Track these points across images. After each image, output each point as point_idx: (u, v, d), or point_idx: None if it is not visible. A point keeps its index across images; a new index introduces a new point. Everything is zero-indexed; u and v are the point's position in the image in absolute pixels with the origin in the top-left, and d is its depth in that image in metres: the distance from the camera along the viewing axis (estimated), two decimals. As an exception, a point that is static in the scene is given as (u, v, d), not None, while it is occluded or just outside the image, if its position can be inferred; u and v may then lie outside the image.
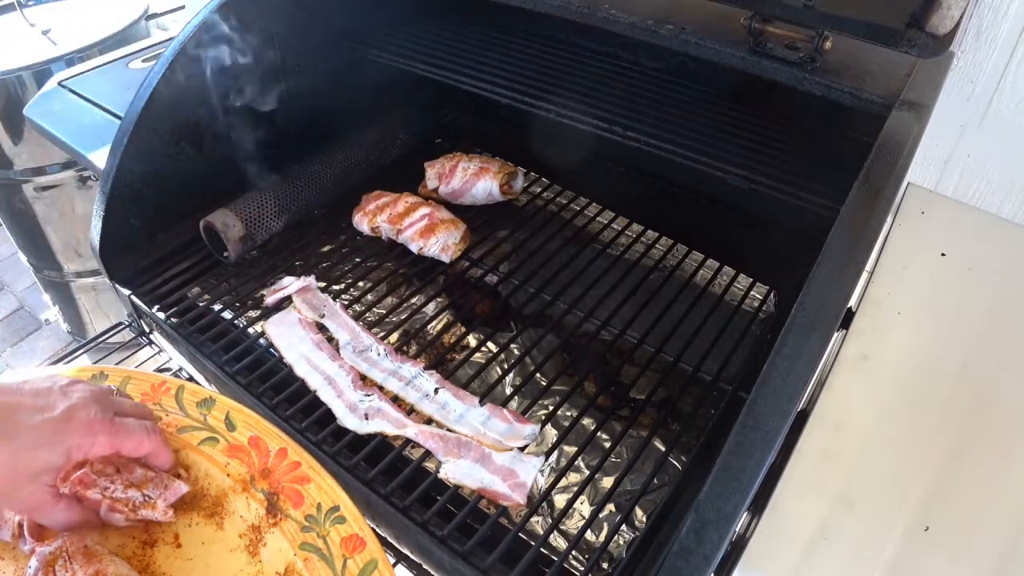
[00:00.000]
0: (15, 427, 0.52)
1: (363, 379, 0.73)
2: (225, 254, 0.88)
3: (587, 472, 0.69)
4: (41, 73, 1.59)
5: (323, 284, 0.86)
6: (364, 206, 0.95)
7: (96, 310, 2.10)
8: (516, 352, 0.84)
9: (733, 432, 0.46)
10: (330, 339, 0.78)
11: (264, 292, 0.84)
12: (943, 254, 0.66)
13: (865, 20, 0.62)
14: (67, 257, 1.94)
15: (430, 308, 0.87)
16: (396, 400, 0.70)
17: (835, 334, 0.51)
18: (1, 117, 1.65)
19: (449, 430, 0.67)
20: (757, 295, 0.89)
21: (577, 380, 0.77)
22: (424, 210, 0.91)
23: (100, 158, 0.93)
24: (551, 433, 0.73)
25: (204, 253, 0.89)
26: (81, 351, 0.85)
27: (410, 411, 0.69)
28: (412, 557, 0.63)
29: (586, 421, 0.74)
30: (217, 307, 0.82)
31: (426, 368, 0.73)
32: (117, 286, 0.84)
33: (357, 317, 0.81)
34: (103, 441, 0.55)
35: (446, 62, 0.90)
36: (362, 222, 0.94)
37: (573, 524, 0.67)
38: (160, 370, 0.85)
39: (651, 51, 0.90)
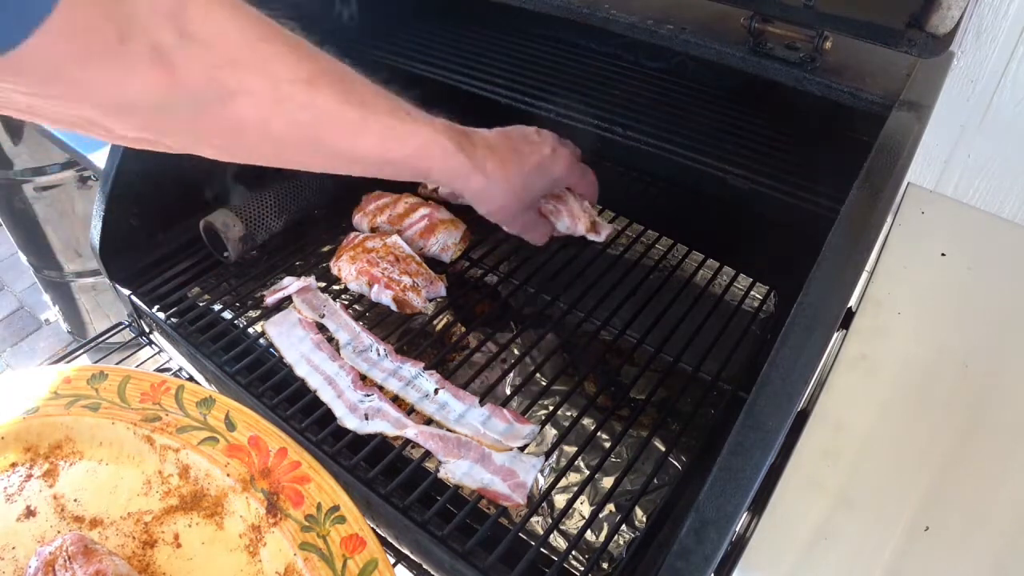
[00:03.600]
0: (525, 164, 0.68)
1: (363, 379, 0.73)
2: (225, 254, 0.88)
3: (587, 472, 0.69)
4: (41, 73, 1.59)
5: (323, 284, 0.86)
6: (364, 206, 0.95)
7: (96, 310, 2.10)
8: (516, 352, 0.84)
9: (733, 432, 0.46)
10: (330, 339, 0.78)
11: (264, 292, 0.84)
12: (943, 254, 0.66)
13: (865, 20, 0.62)
14: (67, 257, 1.94)
15: (430, 308, 0.87)
16: (396, 400, 0.70)
17: (835, 334, 0.51)
18: (1, 117, 1.65)
19: (449, 430, 0.67)
20: (757, 295, 0.89)
21: (577, 380, 0.77)
22: (424, 210, 0.91)
23: (100, 158, 0.94)
24: (551, 433, 0.73)
25: (204, 253, 0.89)
26: (81, 351, 0.85)
27: (410, 411, 0.69)
28: (412, 557, 0.63)
29: (586, 421, 0.74)
30: (217, 307, 0.82)
31: (426, 368, 0.73)
32: (117, 286, 0.84)
33: (357, 317, 0.81)
34: (576, 175, 0.75)
35: (446, 62, 0.90)
36: (362, 222, 0.94)
37: (573, 524, 0.67)
38: (160, 370, 0.85)
39: (651, 51, 0.90)
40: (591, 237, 0.86)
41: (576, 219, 0.85)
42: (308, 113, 0.49)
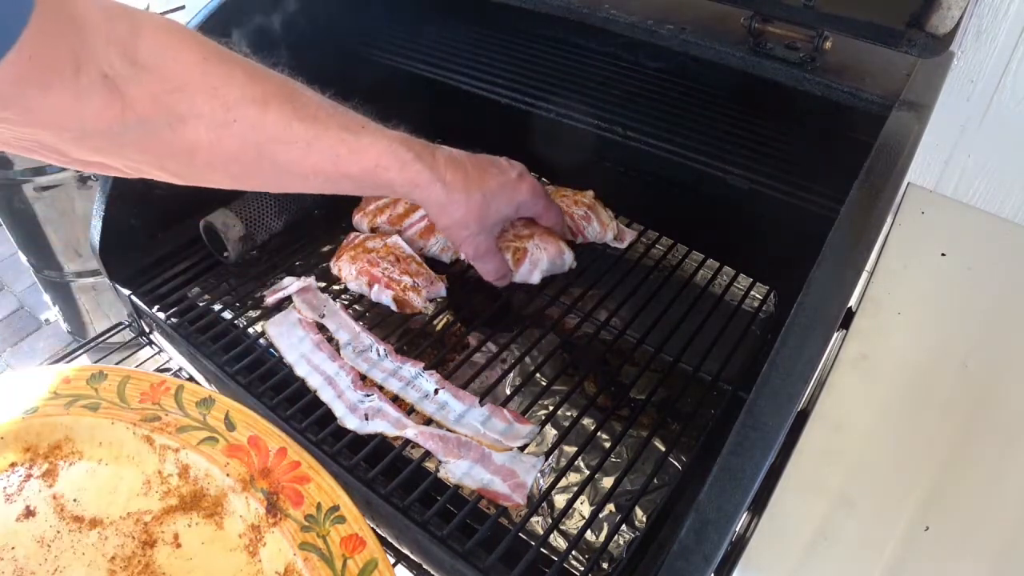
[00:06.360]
0: (488, 181, 0.66)
1: (363, 379, 0.73)
2: (225, 254, 0.88)
3: (587, 472, 0.69)
4: (41, 73, 1.59)
5: (323, 284, 0.86)
6: (364, 206, 0.95)
7: (96, 310, 2.10)
8: (516, 352, 0.84)
9: (733, 432, 0.46)
10: (330, 339, 0.78)
11: (264, 292, 0.84)
12: (943, 254, 0.66)
13: (865, 20, 0.62)
14: (67, 257, 1.94)
15: (430, 308, 0.87)
16: (396, 400, 0.70)
17: (835, 334, 0.51)
18: (1, 117, 1.65)
19: (449, 430, 0.67)
20: (757, 295, 0.89)
21: (577, 380, 0.77)
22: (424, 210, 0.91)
23: (100, 158, 0.93)
24: (551, 433, 0.73)
25: (204, 253, 0.89)
26: (81, 351, 0.85)
27: (410, 411, 0.69)
28: (412, 557, 0.63)
29: (586, 421, 0.74)
30: (217, 307, 0.82)
31: (426, 368, 0.73)
32: (117, 286, 0.84)
33: (357, 317, 0.81)
34: (541, 203, 0.72)
35: (446, 62, 0.90)
36: (362, 222, 0.94)
37: (573, 524, 0.67)
38: (160, 370, 0.85)
39: (651, 51, 0.90)
40: (615, 244, 0.91)
41: (605, 226, 0.90)
42: (259, 133, 0.50)
